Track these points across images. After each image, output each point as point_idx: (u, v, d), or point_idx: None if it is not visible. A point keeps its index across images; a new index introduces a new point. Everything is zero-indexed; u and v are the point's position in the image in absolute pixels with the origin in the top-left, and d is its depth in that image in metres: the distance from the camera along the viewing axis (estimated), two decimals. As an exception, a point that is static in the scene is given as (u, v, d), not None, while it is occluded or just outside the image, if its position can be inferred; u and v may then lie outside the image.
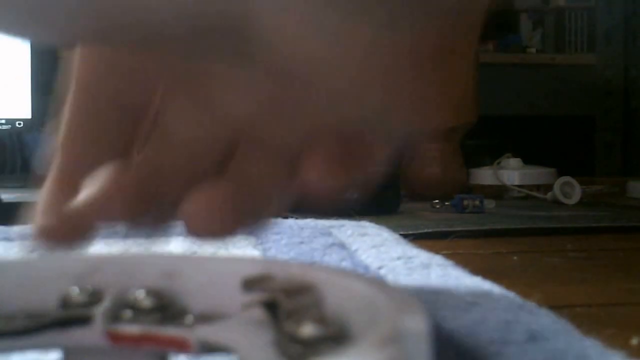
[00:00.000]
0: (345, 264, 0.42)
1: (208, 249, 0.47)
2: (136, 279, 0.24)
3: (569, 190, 0.82)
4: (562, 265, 0.50)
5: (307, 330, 0.20)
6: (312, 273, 0.23)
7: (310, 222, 0.55)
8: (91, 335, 0.22)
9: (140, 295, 0.23)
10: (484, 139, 1.39)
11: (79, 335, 0.23)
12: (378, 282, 0.22)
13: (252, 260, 0.24)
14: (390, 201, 0.73)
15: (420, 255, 0.43)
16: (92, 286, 0.24)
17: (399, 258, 0.43)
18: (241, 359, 0.21)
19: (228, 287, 0.23)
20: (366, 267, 0.41)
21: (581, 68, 1.53)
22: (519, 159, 0.90)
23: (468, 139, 0.91)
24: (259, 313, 0.22)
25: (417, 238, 0.55)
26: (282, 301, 0.21)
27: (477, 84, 0.87)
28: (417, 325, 0.18)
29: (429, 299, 0.33)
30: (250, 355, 0.21)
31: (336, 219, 0.57)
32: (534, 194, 0.86)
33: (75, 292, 0.23)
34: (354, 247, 0.47)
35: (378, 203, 0.71)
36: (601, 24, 1.54)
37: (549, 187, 0.84)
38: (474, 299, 0.33)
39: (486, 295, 0.34)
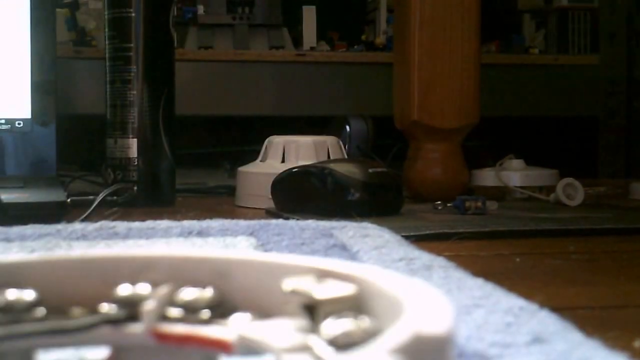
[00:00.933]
0: None
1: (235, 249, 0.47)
2: (186, 278, 0.24)
3: (572, 191, 0.82)
4: (564, 267, 0.50)
5: (342, 333, 0.20)
6: (356, 275, 0.22)
7: (311, 224, 0.55)
8: (139, 333, 0.23)
9: (188, 294, 0.24)
10: (486, 140, 1.39)
11: (127, 333, 0.23)
12: (419, 285, 0.21)
13: (298, 262, 0.24)
14: (392, 202, 0.73)
15: (422, 257, 0.43)
16: (143, 284, 0.24)
17: (400, 260, 0.43)
18: None
19: (274, 289, 0.23)
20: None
21: (584, 69, 1.53)
22: (521, 160, 0.90)
23: (470, 140, 0.91)
24: (299, 315, 0.22)
25: (419, 239, 0.55)
26: (321, 304, 0.21)
27: (480, 85, 0.87)
28: (438, 331, 0.18)
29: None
30: (287, 358, 0.21)
31: (337, 220, 0.57)
32: (537, 195, 0.86)
33: (126, 290, 0.24)
34: (355, 249, 0.47)
35: (380, 204, 0.71)
36: (604, 25, 1.54)
37: (551, 189, 0.84)
38: (476, 301, 0.33)
39: (488, 297, 0.34)
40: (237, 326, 0.23)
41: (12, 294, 0.23)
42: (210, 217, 0.58)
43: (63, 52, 1.26)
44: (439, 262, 0.42)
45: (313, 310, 0.22)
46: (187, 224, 0.55)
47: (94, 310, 0.24)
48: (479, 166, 0.92)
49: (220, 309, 0.24)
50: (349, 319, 0.21)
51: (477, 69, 0.87)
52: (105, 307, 0.24)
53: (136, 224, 0.55)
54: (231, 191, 0.89)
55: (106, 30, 0.84)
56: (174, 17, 0.85)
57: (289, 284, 0.22)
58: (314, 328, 0.21)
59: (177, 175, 0.85)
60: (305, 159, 0.81)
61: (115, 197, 0.78)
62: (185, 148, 1.29)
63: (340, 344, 0.20)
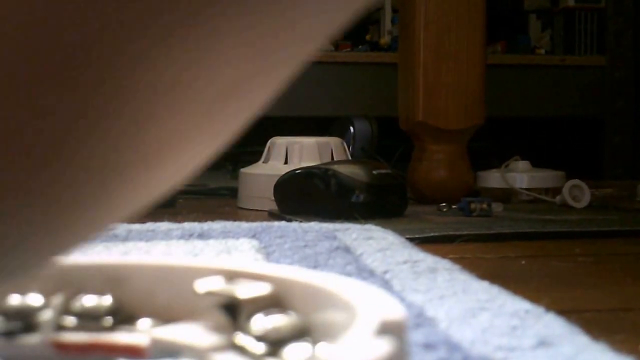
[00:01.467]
0: (350, 268, 0.42)
1: (210, 253, 0.47)
2: (79, 286, 0.24)
3: (578, 193, 0.82)
4: (571, 270, 0.50)
5: (273, 328, 0.21)
6: (270, 273, 0.23)
7: (314, 226, 0.55)
8: (35, 344, 0.22)
9: (86, 301, 0.23)
10: (491, 141, 1.39)
11: (22, 345, 0.22)
12: (336, 278, 0.22)
13: (200, 264, 0.24)
14: (396, 204, 0.73)
15: (426, 260, 0.43)
16: (34, 294, 0.23)
17: (405, 262, 0.43)
18: None
19: (180, 292, 0.23)
20: (371, 272, 0.41)
21: (591, 69, 1.53)
22: (527, 162, 0.90)
23: (475, 141, 0.91)
24: (216, 316, 0.22)
25: (423, 242, 0.55)
26: (243, 302, 0.22)
27: (485, 86, 0.87)
28: (399, 316, 0.19)
29: (434, 304, 0.33)
30: (213, 357, 0.21)
31: (341, 222, 0.57)
32: (543, 197, 0.86)
33: (15, 300, 0.23)
34: (359, 251, 0.47)
35: (384, 206, 0.71)
36: (611, 25, 1.54)
37: (557, 190, 0.84)
38: (481, 304, 0.33)
39: (494, 300, 0.34)
40: (147, 330, 0.22)
41: None
42: (212, 219, 0.58)
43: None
44: (443, 264, 0.42)
45: (234, 310, 0.22)
46: (188, 226, 0.55)
47: None
48: (485, 167, 0.92)
49: (121, 315, 0.23)
50: (277, 314, 0.21)
51: (483, 69, 0.87)
52: None
53: (136, 226, 0.55)
54: (233, 193, 0.89)
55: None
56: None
57: (202, 286, 0.23)
58: (235, 327, 0.22)
59: None
60: (308, 160, 0.81)
61: None
62: None
63: (270, 339, 0.21)
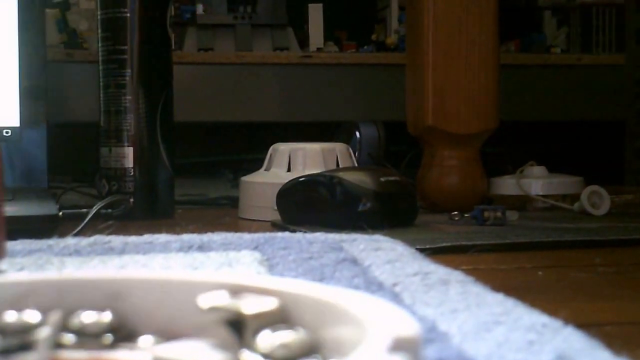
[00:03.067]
0: (358, 281, 0.42)
1: (210, 266, 0.47)
2: (78, 301, 0.24)
3: (597, 200, 0.82)
4: (590, 281, 0.50)
5: (280, 345, 0.21)
6: (276, 287, 0.23)
7: (320, 236, 0.55)
8: None
9: (85, 318, 0.23)
10: (505, 146, 1.39)
11: None
12: (345, 291, 0.22)
13: (208, 279, 0.24)
14: (405, 213, 0.73)
15: (438, 271, 0.43)
16: (31, 310, 0.23)
17: (415, 274, 0.43)
18: None
19: (183, 307, 0.23)
20: (380, 284, 0.41)
21: (609, 69, 1.53)
22: (543, 167, 0.90)
23: (488, 146, 0.91)
24: (221, 332, 0.22)
25: (434, 253, 0.55)
26: (250, 319, 0.22)
27: (498, 87, 0.88)
28: (413, 332, 0.19)
29: (447, 318, 0.33)
30: None
31: (348, 232, 0.57)
32: (560, 204, 0.86)
33: (12, 317, 0.23)
34: (366, 263, 0.47)
35: (393, 215, 0.71)
36: (631, 22, 1.54)
37: (575, 197, 0.84)
38: (496, 318, 0.33)
39: (509, 313, 0.34)
40: (149, 348, 0.22)
41: None
42: (212, 230, 0.58)
43: (53, 55, 1.27)
44: (456, 276, 0.42)
45: (239, 326, 0.22)
46: (187, 237, 0.55)
47: None
48: (498, 174, 0.92)
49: (122, 332, 0.23)
50: (285, 331, 0.21)
51: (495, 70, 0.87)
52: None
53: (133, 239, 0.55)
54: (234, 202, 0.89)
55: (99, 31, 0.84)
56: (171, 17, 0.85)
57: (206, 301, 0.23)
58: (241, 344, 0.22)
59: (176, 185, 0.86)
60: (312, 168, 0.81)
61: (110, 210, 0.78)
62: (184, 157, 1.29)
63: (278, 357, 0.21)
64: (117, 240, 0.54)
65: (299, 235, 0.56)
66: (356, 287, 0.40)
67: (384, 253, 0.49)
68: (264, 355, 0.21)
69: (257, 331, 0.22)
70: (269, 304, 0.23)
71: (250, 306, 0.22)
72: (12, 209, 0.67)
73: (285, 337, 0.21)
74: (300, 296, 0.23)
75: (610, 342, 0.30)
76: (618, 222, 0.75)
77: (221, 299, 0.23)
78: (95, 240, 0.54)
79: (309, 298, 0.23)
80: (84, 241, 0.54)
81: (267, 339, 0.21)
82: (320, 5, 1.45)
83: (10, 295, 0.24)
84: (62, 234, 0.59)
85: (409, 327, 0.19)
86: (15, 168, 0.81)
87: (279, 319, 0.22)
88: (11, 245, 0.52)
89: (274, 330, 0.22)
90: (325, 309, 0.22)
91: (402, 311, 0.21)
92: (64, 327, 0.23)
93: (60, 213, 0.70)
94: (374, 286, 0.41)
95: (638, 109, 1.51)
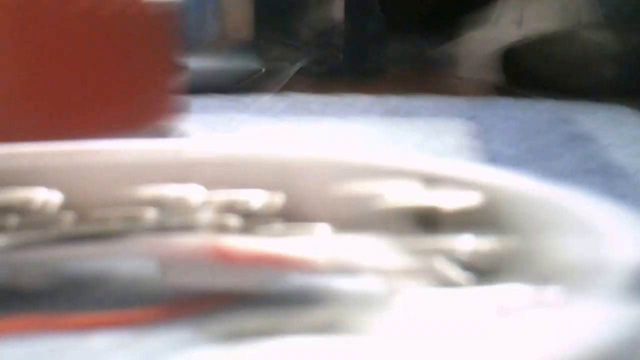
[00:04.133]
0: (591, 164, 0.40)
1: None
2: (244, 180, 0.23)
3: None
4: None
5: (485, 253, 0.19)
6: (482, 179, 0.21)
7: (549, 105, 0.54)
8: (192, 247, 0.21)
9: (254, 199, 0.22)
10: None
11: (175, 246, 0.21)
12: (577, 193, 0.19)
13: (399, 165, 0.22)
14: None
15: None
16: (193, 185, 0.22)
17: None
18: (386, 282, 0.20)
19: (365, 195, 0.22)
20: (621, 170, 0.38)
21: None
22: None
23: None
24: (409, 230, 0.21)
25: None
26: (446, 216, 0.20)
27: None
28: None
29: None
30: (404, 283, 0.20)
31: (584, 102, 0.55)
32: None
33: (172, 192, 0.22)
34: (605, 141, 0.44)
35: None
36: None
37: None
38: None
39: None
40: (324, 241, 0.21)
41: (40, 194, 0.22)
42: (424, 93, 0.58)
43: None
44: None
45: (433, 225, 0.21)
46: (393, 101, 0.55)
47: (131, 215, 0.22)
48: None
49: (293, 220, 0.22)
50: (491, 235, 0.20)
51: None
52: (150, 212, 0.22)
53: (334, 99, 0.56)
54: (453, 61, 0.87)
55: None
56: None
57: (392, 191, 0.21)
58: (434, 247, 0.20)
59: (390, 41, 0.84)
60: (547, 22, 0.77)
61: (315, 66, 0.78)
62: (401, 7, 1.26)
63: (481, 268, 0.19)
64: (316, 100, 0.55)
65: (524, 102, 0.55)
66: (588, 172, 0.37)
67: (627, 129, 0.47)
68: (463, 264, 0.19)
69: (454, 233, 0.20)
70: (471, 200, 0.21)
71: (447, 201, 0.21)
72: (210, 63, 0.68)
73: (490, 243, 0.19)
74: (511, 192, 0.20)
75: None
76: None
77: (413, 190, 0.21)
78: (294, 100, 0.55)
79: (522, 195, 0.20)
80: (283, 100, 0.55)
81: (469, 244, 0.20)
82: None
83: (174, 166, 0.23)
84: (262, 91, 0.61)
85: None
86: (215, 18, 0.81)
87: (482, 219, 0.20)
88: (205, 101, 0.53)
89: (473, 232, 0.20)
90: (545, 210, 0.19)
91: None
92: (228, 207, 0.22)
93: (262, 69, 0.70)
94: (613, 171, 0.38)
95: None
